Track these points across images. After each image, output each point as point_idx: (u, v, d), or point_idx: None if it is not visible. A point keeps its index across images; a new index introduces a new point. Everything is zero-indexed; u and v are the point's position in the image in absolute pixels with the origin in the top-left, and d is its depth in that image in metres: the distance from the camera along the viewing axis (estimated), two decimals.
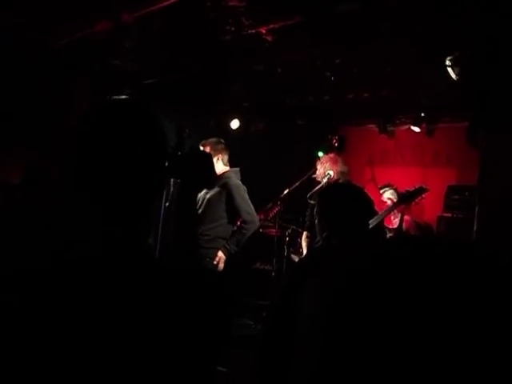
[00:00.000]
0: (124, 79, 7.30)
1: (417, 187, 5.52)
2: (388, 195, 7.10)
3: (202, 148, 5.52)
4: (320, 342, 1.50)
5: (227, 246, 5.50)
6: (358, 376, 1.39)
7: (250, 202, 5.61)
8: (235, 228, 5.67)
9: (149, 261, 1.34)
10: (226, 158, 5.71)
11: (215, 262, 5.40)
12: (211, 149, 5.55)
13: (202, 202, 5.49)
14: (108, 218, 1.30)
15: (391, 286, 1.33)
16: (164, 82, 7.69)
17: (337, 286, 1.48)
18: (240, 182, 5.66)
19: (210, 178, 1.85)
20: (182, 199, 1.76)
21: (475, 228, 3.93)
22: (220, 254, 5.46)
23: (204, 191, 5.51)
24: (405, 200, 5.57)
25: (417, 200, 5.54)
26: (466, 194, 7.34)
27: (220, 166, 5.64)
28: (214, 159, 5.45)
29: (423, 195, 5.52)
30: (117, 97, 1.44)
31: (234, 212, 5.57)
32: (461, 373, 1.24)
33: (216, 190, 5.51)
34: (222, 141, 5.78)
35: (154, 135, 1.39)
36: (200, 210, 5.41)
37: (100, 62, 6.97)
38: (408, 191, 5.52)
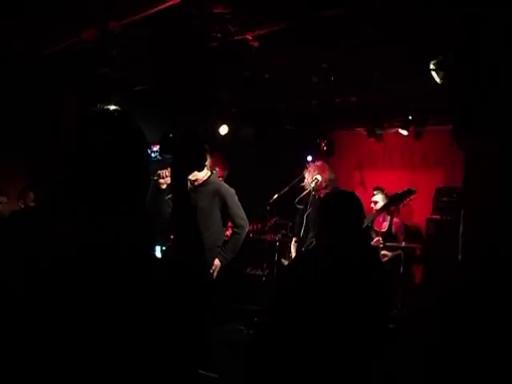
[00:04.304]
0: (112, 86, 7.31)
1: (405, 189, 5.58)
2: (379, 199, 7.17)
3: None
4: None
5: (223, 254, 5.37)
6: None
7: (240, 205, 5.57)
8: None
9: (134, 257, 1.42)
10: (208, 161, 5.44)
11: (211, 271, 5.25)
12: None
13: None
14: (95, 219, 1.40)
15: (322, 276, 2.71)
16: (152, 88, 7.71)
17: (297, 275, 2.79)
18: (228, 186, 5.55)
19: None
20: (174, 182, 1.81)
21: (461, 230, 3.95)
22: (216, 262, 5.30)
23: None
24: (393, 202, 5.63)
25: (405, 202, 5.59)
26: (455, 195, 7.38)
27: (204, 170, 5.32)
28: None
29: (411, 197, 5.58)
30: (98, 107, 1.52)
31: (226, 218, 5.50)
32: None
33: (206, 196, 5.38)
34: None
35: (131, 140, 1.48)
36: None
37: (88, 69, 6.98)
38: (397, 193, 5.58)
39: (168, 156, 1.89)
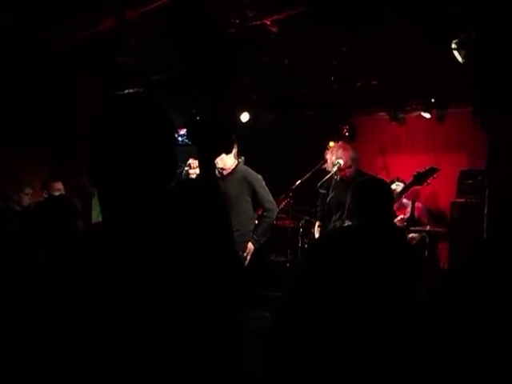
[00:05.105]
0: (131, 76, 7.32)
1: (428, 168, 5.50)
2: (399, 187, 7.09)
3: None
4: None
5: (256, 238, 5.62)
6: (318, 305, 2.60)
7: (268, 190, 5.67)
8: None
9: (165, 239, 1.41)
10: (235, 151, 5.62)
11: (245, 255, 5.52)
12: None
13: None
14: (125, 204, 1.39)
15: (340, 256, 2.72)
16: (172, 77, 7.71)
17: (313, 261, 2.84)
18: (255, 173, 5.72)
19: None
20: (202, 165, 1.81)
21: (486, 211, 3.90)
22: (250, 246, 5.56)
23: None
24: (417, 181, 5.56)
25: (429, 180, 5.52)
26: (479, 178, 7.26)
27: (232, 159, 5.61)
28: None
29: (435, 175, 5.50)
30: (125, 92, 1.49)
31: (255, 203, 5.69)
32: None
33: (235, 184, 5.56)
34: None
35: (163, 124, 1.45)
36: None
37: (107, 59, 6.99)
38: (419, 172, 5.51)
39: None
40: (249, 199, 5.61)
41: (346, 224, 5.09)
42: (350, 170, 5.81)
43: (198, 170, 5.22)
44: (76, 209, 3.42)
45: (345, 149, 5.92)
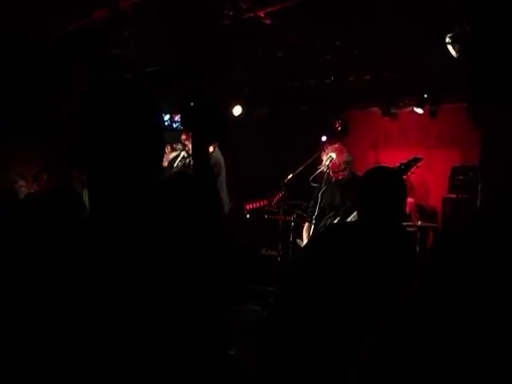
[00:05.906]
0: (124, 67, 7.28)
1: (411, 158, 5.49)
2: None
3: None
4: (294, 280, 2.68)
5: None
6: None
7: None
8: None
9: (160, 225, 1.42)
10: None
11: None
12: None
13: None
14: (112, 186, 1.37)
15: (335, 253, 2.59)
16: (165, 68, 7.67)
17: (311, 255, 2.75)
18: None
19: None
20: (195, 152, 1.79)
21: (478, 206, 3.86)
22: None
23: None
24: (401, 172, 5.55)
25: (412, 170, 5.51)
26: (471, 174, 7.28)
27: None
28: None
29: (418, 164, 5.49)
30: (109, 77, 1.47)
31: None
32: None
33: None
34: None
35: (149, 106, 1.43)
36: None
37: (99, 50, 6.95)
38: (402, 163, 5.48)
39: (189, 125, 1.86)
40: (224, 186, 5.50)
41: (353, 218, 5.03)
42: (343, 172, 5.77)
43: (169, 157, 5.18)
44: (82, 201, 3.39)
45: (340, 151, 5.88)
